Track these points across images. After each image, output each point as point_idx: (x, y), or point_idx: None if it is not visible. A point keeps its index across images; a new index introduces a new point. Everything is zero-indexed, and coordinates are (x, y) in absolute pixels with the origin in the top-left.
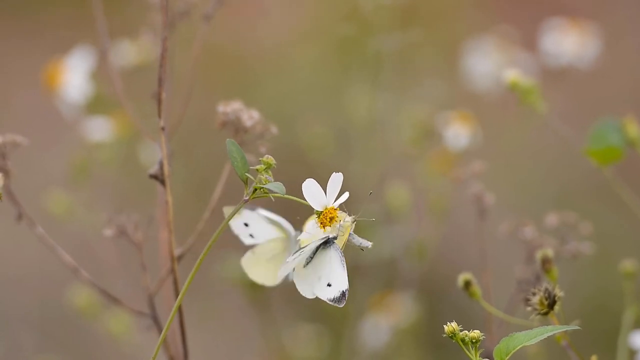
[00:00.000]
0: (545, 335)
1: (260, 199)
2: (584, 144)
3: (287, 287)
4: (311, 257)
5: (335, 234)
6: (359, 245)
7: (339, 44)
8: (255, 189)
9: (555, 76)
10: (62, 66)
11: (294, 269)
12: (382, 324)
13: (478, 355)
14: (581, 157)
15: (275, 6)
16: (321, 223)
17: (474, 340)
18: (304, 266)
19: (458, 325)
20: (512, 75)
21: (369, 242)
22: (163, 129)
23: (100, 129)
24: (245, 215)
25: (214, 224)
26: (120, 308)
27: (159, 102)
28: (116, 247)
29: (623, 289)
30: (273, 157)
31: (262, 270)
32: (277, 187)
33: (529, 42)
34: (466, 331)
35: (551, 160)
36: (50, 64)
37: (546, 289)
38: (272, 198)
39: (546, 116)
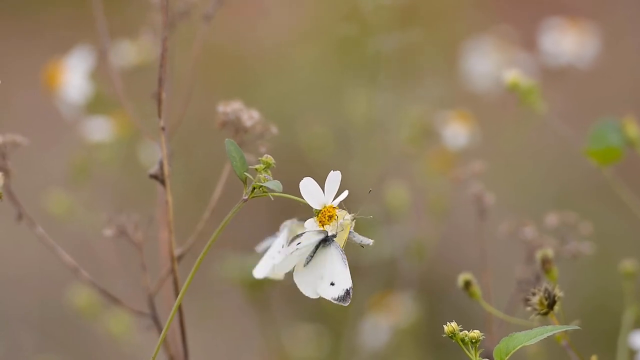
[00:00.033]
0: (545, 335)
1: (260, 199)
2: (584, 144)
3: (287, 287)
4: (311, 257)
5: (334, 232)
6: (359, 243)
7: (338, 44)
8: (254, 188)
9: (554, 76)
10: (62, 66)
11: (293, 269)
12: (382, 324)
13: (478, 355)
14: (581, 157)
15: (275, 6)
16: (320, 222)
17: (473, 340)
18: (305, 266)
19: (458, 325)
20: (512, 75)
21: (369, 240)
22: (163, 129)
23: (100, 129)
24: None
25: (214, 224)
26: (120, 308)
27: (159, 102)
28: (116, 247)
29: (623, 289)
30: (273, 157)
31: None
32: (274, 185)
33: (529, 42)
34: (466, 331)
35: (551, 160)
36: (50, 64)
37: (546, 289)
38: (271, 197)
39: (546, 116)
